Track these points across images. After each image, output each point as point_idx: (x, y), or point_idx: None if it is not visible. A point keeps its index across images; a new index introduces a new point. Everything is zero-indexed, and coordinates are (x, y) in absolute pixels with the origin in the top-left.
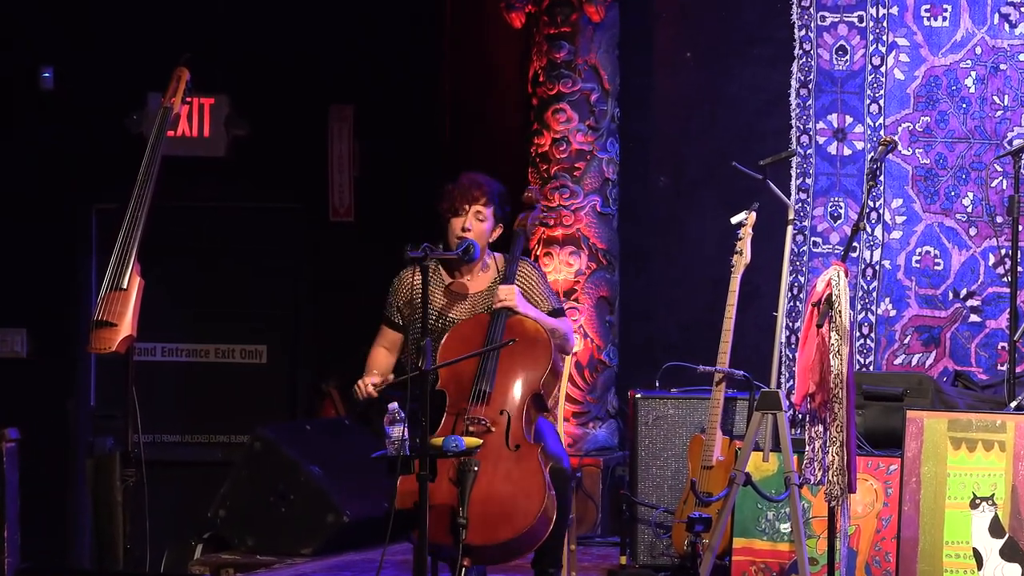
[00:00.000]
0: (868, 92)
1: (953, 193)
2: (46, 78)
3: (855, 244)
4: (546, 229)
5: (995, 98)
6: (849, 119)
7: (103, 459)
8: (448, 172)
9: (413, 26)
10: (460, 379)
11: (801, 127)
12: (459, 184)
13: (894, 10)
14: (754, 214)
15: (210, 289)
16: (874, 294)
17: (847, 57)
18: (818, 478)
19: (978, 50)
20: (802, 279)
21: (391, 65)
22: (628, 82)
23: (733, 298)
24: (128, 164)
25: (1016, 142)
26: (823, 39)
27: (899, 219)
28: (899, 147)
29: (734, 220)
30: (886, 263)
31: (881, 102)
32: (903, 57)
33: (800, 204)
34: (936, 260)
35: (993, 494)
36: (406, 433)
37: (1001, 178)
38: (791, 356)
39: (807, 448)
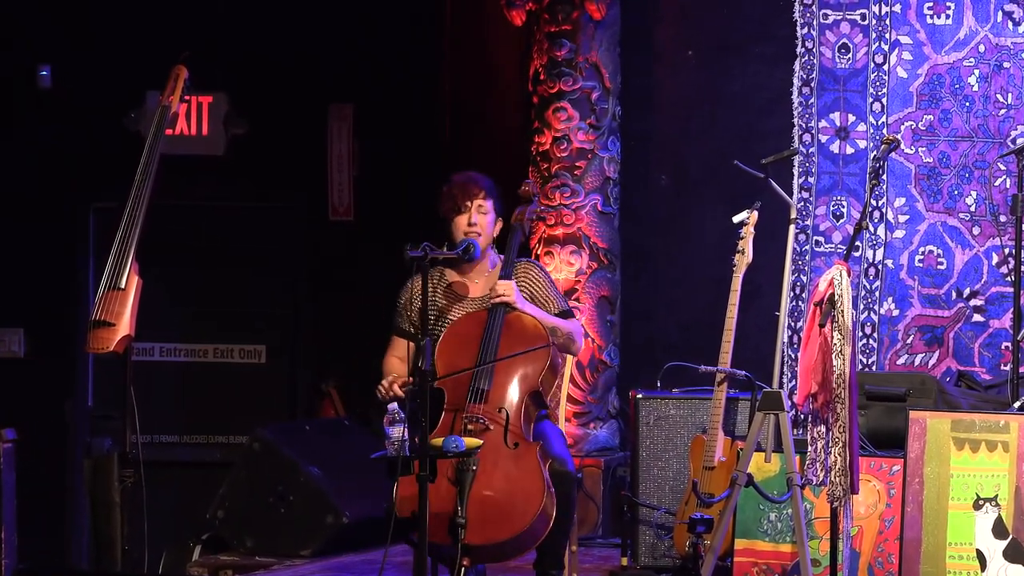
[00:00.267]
0: (871, 90)
1: (956, 192)
2: (43, 76)
3: (858, 243)
4: (547, 228)
5: (998, 96)
6: (852, 117)
7: (101, 460)
8: (448, 172)
9: (413, 26)
10: (458, 377)
11: (803, 126)
12: (455, 183)
13: (897, 8)
14: (756, 213)
15: (209, 288)
16: (877, 294)
17: (849, 55)
18: (820, 479)
19: (981, 48)
20: (804, 278)
21: (391, 65)
22: (629, 80)
23: (735, 298)
24: (127, 163)
25: (1020, 140)
26: (825, 37)
27: (902, 218)
28: (902, 146)
29: (736, 219)
30: (889, 262)
31: (884, 100)
32: (906, 55)
33: (802, 203)
34: (939, 259)
35: (996, 495)
36: (406, 434)
37: (1004, 177)
38: (793, 356)
39: (809, 449)
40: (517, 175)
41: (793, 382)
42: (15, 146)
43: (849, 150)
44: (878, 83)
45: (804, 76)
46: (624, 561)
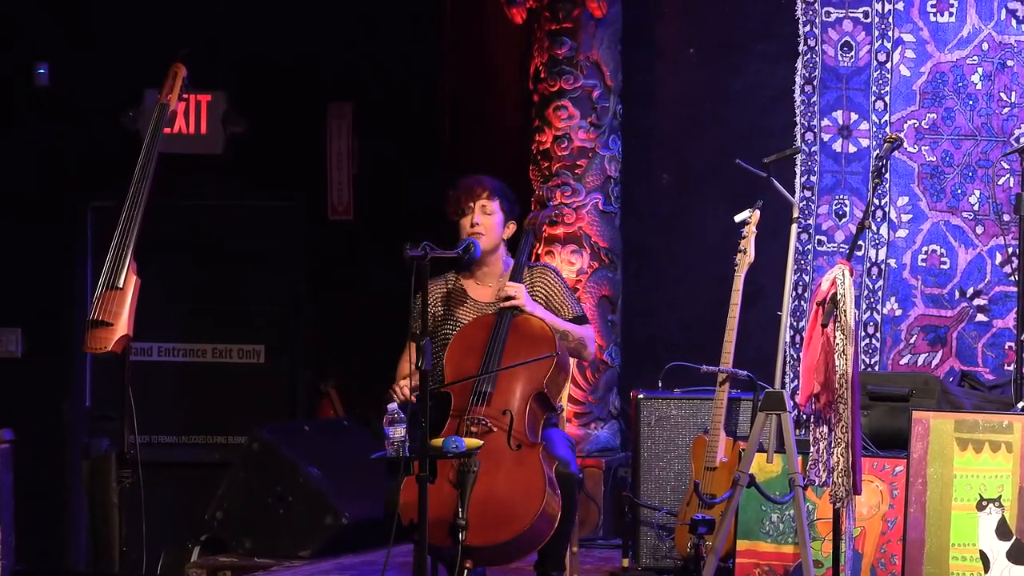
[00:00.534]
0: (874, 89)
1: (960, 191)
2: (41, 75)
3: (860, 242)
4: (548, 227)
5: (1002, 95)
6: (854, 116)
7: (99, 460)
8: (448, 172)
9: (413, 26)
10: (464, 382)
11: (806, 124)
12: (459, 185)
13: (900, 6)
14: (758, 212)
15: (207, 288)
16: (879, 293)
17: (852, 53)
18: (823, 479)
19: (985, 46)
20: (807, 278)
21: (391, 64)
22: (630, 79)
23: (737, 297)
24: (125, 162)
25: None
26: (828, 35)
27: (905, 217)
28: (905, 144)
29: (738, 218)
30: (892, 262)
31: (887, 99)
32: (909, 53)
33: (805, 202)
34: (942, 259)
35: (1000, 496)
36: (406, 434)
37: (1008, 176)
38: (795, 356)
39: (812, 449)
40: (517, 175)
41: (795, 382)
42: (13, 145)
43: (852, 149)
44: (881, 81)
45: (806, 74)
46: (625, 562)
